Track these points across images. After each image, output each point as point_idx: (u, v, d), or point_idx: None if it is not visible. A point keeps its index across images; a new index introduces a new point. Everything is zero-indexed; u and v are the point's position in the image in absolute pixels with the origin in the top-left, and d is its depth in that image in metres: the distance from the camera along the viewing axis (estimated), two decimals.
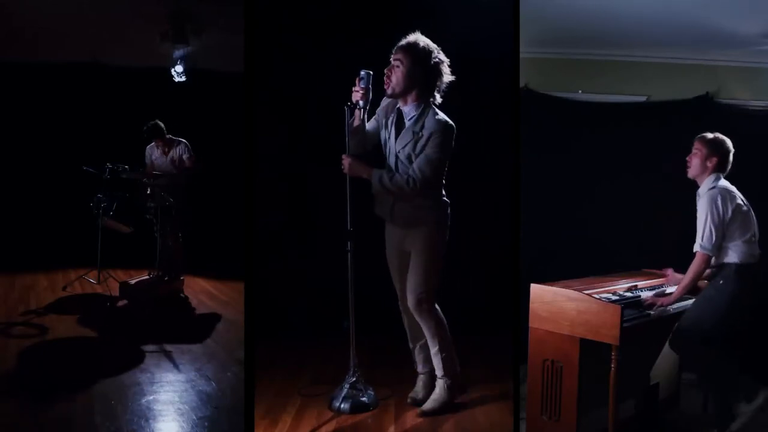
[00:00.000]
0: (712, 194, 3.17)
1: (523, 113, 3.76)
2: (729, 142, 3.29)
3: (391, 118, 3.12)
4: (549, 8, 3.78)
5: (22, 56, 6.15)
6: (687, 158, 3.32)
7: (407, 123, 3.05)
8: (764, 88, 4.49)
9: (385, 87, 3.03)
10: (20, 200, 6.36)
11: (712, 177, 3.24)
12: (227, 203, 5.18)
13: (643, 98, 4.68)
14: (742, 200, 3.24)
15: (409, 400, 3.31)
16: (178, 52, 6.01)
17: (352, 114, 3.07)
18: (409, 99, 3.03)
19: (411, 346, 3.40)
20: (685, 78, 4.54)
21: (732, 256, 3.15)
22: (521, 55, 3.54)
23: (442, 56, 2.99)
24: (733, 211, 3.14)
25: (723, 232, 3.13)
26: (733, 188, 3.24)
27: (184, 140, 5.38)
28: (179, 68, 6.18)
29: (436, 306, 3.19)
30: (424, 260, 3.11)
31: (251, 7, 3.45)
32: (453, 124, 3.02)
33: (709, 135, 3.30)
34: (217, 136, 5.95)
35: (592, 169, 4.51)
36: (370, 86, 3.03)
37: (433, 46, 2.99)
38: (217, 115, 6.21)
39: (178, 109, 5.52)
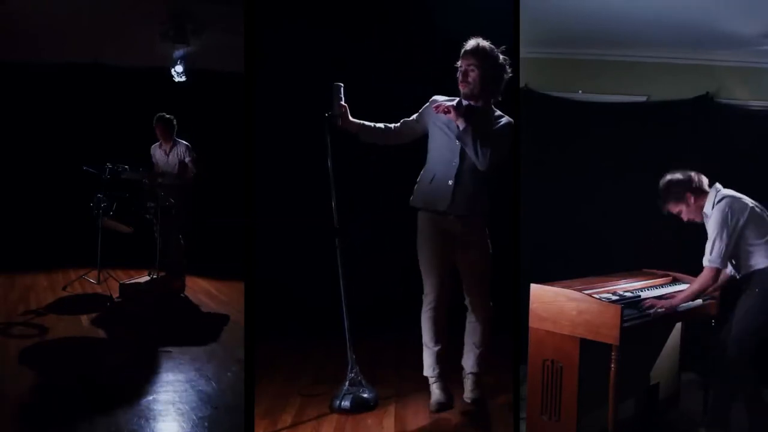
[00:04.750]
0: (721, 207, 3.08)
1: (523, 113, 3.76)
2: (682, 174, 3.20)
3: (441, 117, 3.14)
4: (549, 8, 3.78)
5: (23, 57, 6.15)
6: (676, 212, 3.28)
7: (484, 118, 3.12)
8: (764, 88, 4.49)
9: (461, 88, 3.11)
10: (20, 200, 6.36)
11: (711, 194, 3.17)
12: (227, 203, 5.18)
13: (643, 98, 4.68)
14: (756, 205, 3.13)
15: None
16: (178, 52, 6.03)
17: (333, 123, 3.16)
18: (482, 98, 3.13)
19: (434, 347, 3.23)
20: (685, 78, 4.53)
21: (760, 261, 3.05)
22: (521, 55, 3.54)
23: (504, 56, 3.11)
24: (746, 220, 3.05)
25: (734, 242, 3.04)
26: (740, 195, 3.14)
27: (186, 142, 5.38)
28: (179, 68, 6.19)
29: None
30: (486, 267, 3.22)
31: (251, 7, 3.45)
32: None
33: (667, 178, 3.23)
34: (217, 136, 5.95)
35: (592, 169, 4.51)
36: (341, 96, 3.15)
37: (493, 46, 3.09)
38: (217, 116, 6.21)
39: (178, 109, 5.52)
